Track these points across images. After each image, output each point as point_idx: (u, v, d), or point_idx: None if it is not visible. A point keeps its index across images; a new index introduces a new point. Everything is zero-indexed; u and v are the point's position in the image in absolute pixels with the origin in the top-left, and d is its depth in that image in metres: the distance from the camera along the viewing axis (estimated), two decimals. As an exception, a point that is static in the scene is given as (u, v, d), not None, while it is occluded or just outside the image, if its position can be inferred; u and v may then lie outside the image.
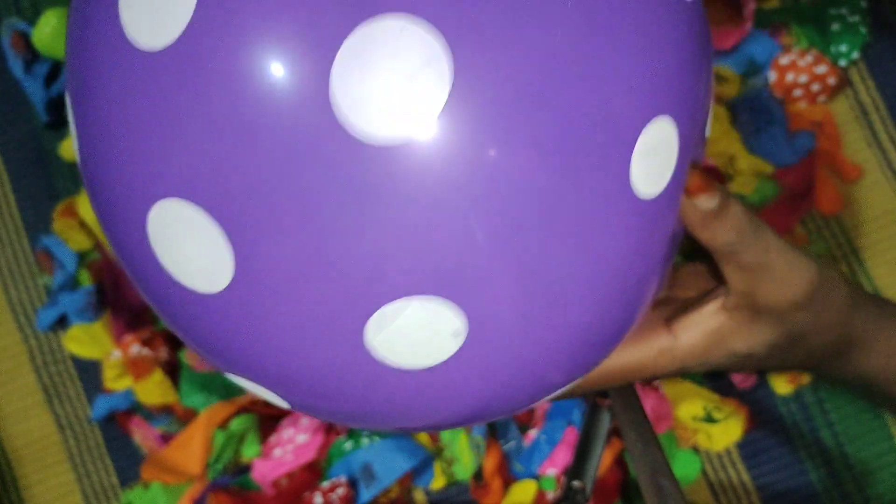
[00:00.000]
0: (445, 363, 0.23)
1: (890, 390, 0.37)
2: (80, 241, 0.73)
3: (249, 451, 0.67)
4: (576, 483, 0.62)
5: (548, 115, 0.21)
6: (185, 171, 0.20)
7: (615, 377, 0.35)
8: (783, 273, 0.32)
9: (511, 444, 0.68)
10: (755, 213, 0.32)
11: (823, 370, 0.37)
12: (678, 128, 0.24)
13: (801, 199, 0.70)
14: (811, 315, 0.33)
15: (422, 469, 0.67)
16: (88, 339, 0.71)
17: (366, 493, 0.65)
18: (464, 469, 0.66)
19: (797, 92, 0.70)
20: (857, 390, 0.39)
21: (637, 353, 0.34)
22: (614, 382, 0.36)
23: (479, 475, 0.68)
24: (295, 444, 0.66)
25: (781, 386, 0.69)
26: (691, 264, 0.38)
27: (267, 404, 0.68)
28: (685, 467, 0.67)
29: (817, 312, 0.34)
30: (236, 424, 0.67)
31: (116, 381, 0.70)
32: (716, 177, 0.69)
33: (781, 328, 0.33)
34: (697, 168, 0.29)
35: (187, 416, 0.69)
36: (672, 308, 0.35)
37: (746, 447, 0.69)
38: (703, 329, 0.33)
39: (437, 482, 0.67)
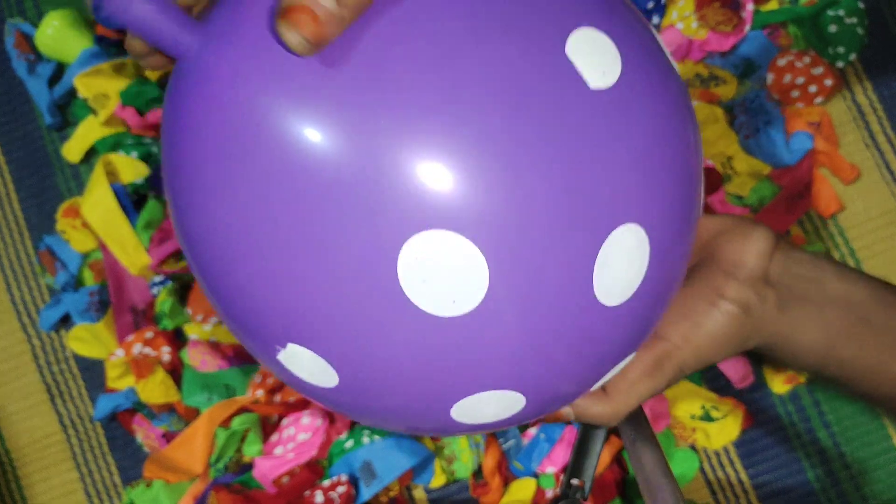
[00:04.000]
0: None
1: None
2: (82, 242, 0.73)
3: (251, 450, 0.68)
4: (575, 481, 0.62)
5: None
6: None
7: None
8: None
9: (510, 443, 0.68)
10: (751, 216, 0.35)
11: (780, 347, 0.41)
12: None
13: (799, 199, 0.70)
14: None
15: (422, 467, 0.67)
16: (91, 339, 0.71)
17: (366, 491, 0.66)
18: (463, 467, 0.66)
19: (794, 93, 0.71)
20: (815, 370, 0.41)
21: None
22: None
23: (478, 473, 0.68)
24: (296, 442, 0.67)
25: (778, 386, 0.69)
26: None
27: (268, 404, 0.68)
28: (683, 465, 0.67)
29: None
30: (238, 423, 0.67)
31: (119, 381, 0.70)
32: (714, 177, 0.69)
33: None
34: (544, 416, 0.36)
35: (189, 416, 0.70)
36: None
37: (744, 446, 0.69)
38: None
39: (437, 480, 0.68)
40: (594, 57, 0.23)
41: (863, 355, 0.40)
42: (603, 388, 0.39)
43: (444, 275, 0.22)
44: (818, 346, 0.40)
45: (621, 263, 0.25)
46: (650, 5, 0.70)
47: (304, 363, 0.25)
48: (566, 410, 0.39)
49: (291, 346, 0.24)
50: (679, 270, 0.29)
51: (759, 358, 0.69)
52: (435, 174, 0.21)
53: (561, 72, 0.23)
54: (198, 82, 0.24)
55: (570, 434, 0.67)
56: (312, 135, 0.22)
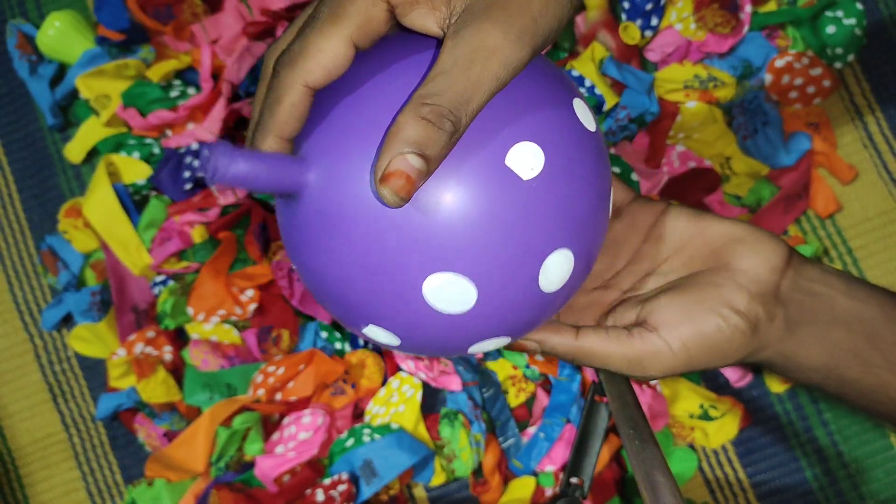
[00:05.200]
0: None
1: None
2: (84, 242, 0.73)
3: (252, 449, 0.68)
4: (574, 479, 0.62)
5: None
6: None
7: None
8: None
9: (510, 442, 0.68)
10: (750, 218, 0.35)
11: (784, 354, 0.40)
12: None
13: (797, 200, 0.70)
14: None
15: (422, 465, 0.68)
16: (93, 339, 0.72)
17: (367, 490, 0.66)
18: (463, 466, 0.67)
19: (793, 94, 0.71)
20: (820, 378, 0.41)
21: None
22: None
23: (478, 472, 0.68)
24: (297, 441, 0.67)
25: (777, 385, 0.69)
26: None
27: (269, 403, 0.69)
28: (681, 464, 0.68)
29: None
30: (239, 422, 0.68)
31: (120, 380, 0.71)
32: (712, 177, 0.70)
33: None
34: (515, 343, 0.41)
35: (191, 415, 0.70)
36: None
37: (742, 445, 0.69)
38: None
39: (437, 478, 0.68)
40: (526, 160, 0.35)
41: (866, 374, 0.39)
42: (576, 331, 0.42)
43: (450, 294, 0.36)
44: (821, 366, 0.39)
45: (555, 270, 0.37)
46: (648, 7, 0.70)
47: (379, 334, 0.39)
48: (530, 344, 0.41)
49: (371, 326, 0.38)
50: (595, 257, 0.41)
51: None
52: (442, 233, 0.35)
53: (504, 174, 0.35)
54: (318, 208, 0.36)
55: (569, 433, 0.67)
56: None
